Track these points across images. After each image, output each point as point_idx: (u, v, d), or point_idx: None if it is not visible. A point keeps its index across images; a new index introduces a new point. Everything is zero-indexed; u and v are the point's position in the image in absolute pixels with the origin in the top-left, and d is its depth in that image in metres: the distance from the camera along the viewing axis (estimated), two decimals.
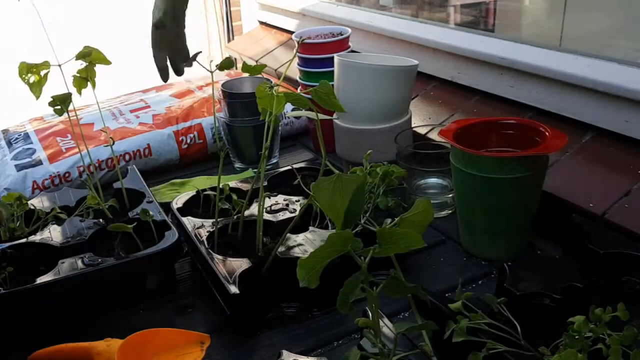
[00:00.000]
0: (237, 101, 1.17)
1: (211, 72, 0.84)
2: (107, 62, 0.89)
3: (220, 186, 0.86)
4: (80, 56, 0.88)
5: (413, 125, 1.09)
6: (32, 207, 0.91)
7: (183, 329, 0.72)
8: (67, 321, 0.77)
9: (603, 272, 0.72)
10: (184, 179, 1.13)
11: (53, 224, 0.88)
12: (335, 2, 1.70)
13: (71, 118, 0.90)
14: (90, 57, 0.88)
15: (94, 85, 0.90)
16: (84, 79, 0.89)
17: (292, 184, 0.97)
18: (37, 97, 0.86)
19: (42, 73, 0.86)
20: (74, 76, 0.89)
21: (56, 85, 0.87)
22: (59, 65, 0.85)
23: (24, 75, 0.85)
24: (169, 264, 0.84)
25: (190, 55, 0.94)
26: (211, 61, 0.86)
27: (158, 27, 0.89)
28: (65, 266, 0.77)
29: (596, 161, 0.93)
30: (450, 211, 0.98)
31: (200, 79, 1.47)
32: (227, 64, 0.86)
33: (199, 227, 0.85)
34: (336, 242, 0.49)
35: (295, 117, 1.32)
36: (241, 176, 1.12)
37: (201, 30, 2.29)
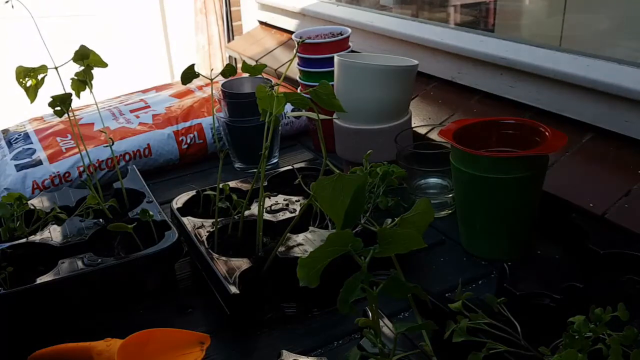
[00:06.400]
0: (237, 101, 1.17)
1: (211, 79, 0.84)
2: (104, 65, 0.89)
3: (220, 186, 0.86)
4: (77, 57, 0.88)
5: (413, 125, 1.09)
6: (32, 207, 0.91)
7: (183, 329, 0.72)
8: (67, 321, 0.77)
9: (603, 272, 0.72)
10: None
11: (53, 224, 0.88)
12: (335, 2, 1.70)
13: (71, 118, 0.90)
14: (88, 60, 0.88)
15: (91, 88, 0.90)
16: (82, 81, 0.89)
17: (292, 184, 0.97)
18: (32, 101, 0.86)
19: (40, 77, 0.86)
20: (72, 79, 0.89)
21: (54, 87, 0.87)
22: (56, 68, 0.85)
23: (21, 80, 0.85)
24: (169, 264, 0.84)
25: None
26: (212, 69, 0.86)
27: None
28: (65, 266, 0.77)
29: (596, 161, 0.93)
30: (450, 211, 0.98)
31: (200, 79, 1.47)
32: (229, 70, 0.86)
33: (199, 227, 0.85)
34: (336, 242, 0.49)
35: (295, 117, 1.32)
36: None
37: (201, 30, 2.29)
